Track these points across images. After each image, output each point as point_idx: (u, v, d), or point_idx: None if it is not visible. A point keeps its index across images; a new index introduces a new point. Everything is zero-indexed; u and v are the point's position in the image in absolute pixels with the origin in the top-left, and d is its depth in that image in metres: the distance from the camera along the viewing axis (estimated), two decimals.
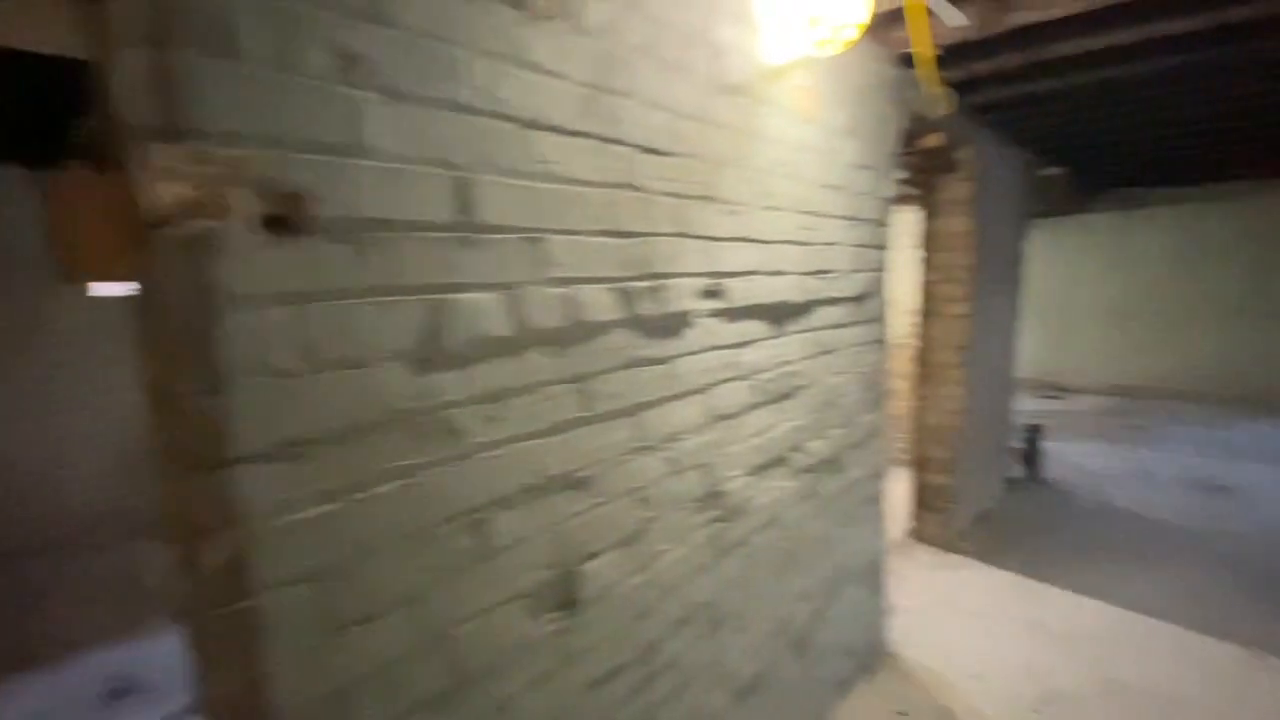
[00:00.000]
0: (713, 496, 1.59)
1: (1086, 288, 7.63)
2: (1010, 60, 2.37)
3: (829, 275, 2.01)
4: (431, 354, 0.96)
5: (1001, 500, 4.28)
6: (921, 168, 3.36)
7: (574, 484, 1.21)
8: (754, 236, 1.65)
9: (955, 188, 3.23)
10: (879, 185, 2.26)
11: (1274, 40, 2.25)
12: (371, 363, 0.90)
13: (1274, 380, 6.65)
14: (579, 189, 1.16)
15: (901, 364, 4.03)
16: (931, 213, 3.34)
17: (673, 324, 1.41)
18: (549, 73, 1.08)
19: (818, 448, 2.05)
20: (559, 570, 1.20)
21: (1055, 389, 7.89)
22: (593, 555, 1.27)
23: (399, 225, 0.91)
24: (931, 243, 3.36)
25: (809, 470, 2.01)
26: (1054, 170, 4.37)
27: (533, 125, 1.07)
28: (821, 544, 2.13)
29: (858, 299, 2.19)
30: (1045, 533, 3.77)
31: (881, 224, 2.32)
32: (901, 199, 3.75)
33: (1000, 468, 4.42)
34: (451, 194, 0.96)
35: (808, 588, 2.07)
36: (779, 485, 1.86)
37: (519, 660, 1.14)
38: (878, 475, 2.53)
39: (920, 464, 3.61)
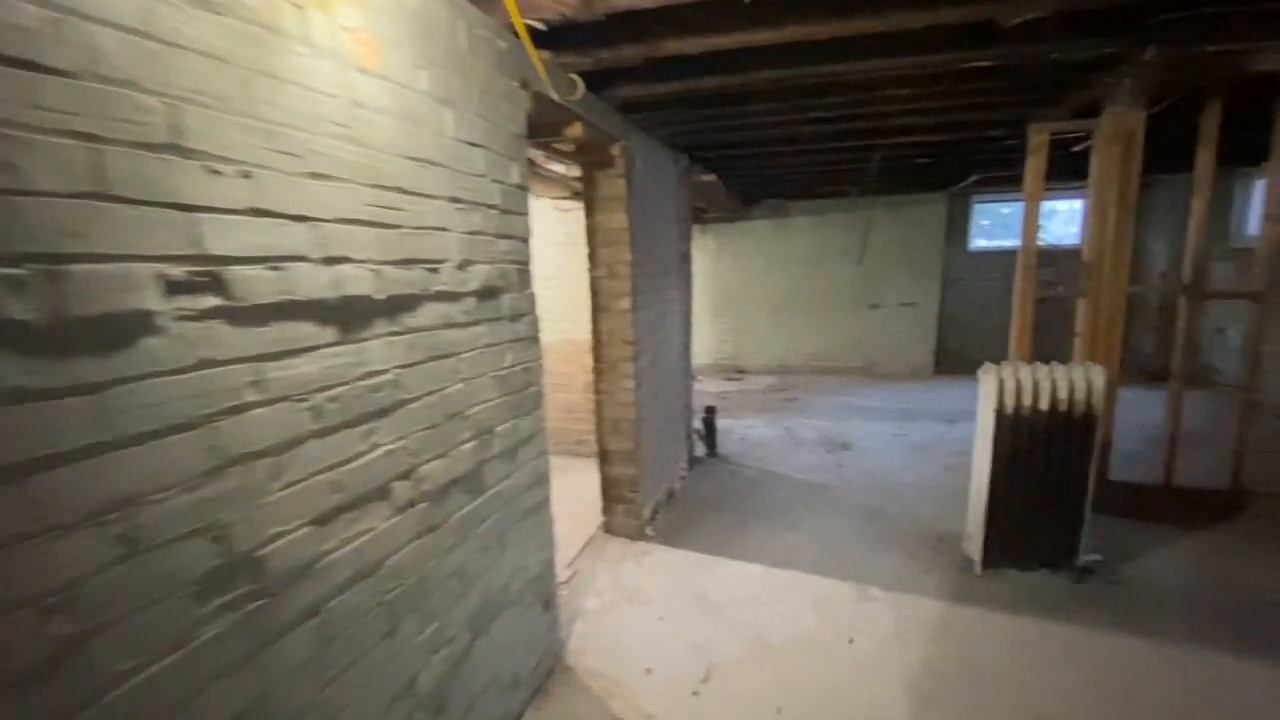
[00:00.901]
0: (236, 569, 1.16)
1: (755, 284, 8.89)
2: (629, 53, 2.37)
3: (434, 266, 1.70)
4: None
5: (686, 480, 4.60)
6: (581, 162, 3.33)
7: None
8: (287, 211, 1.25)
9: (611, 184, 3.26)
10: (503, 169, 2.05)
11: (844, 63, 2.64)
12: None
13: (876, 354, 8.58)
14: None
15: (588, 359, 4.02)
16: (592, 208, 3.32)
17: (99, 333, 0.93)
18: None
19: (439, 469, 1.74)
20: None
21: (737, 371, 9.07)
22: None
23: None
24: (594, 238, 3.35)
25: (426, 498, 1.69)
26: (710, 177, 4.86)
27: None
28: (456, 579, 1.83)
29: (483, 293, 1.94)
30: (719, 506, 4.12)
31: (513, 212, 2.11)
32: (576, 194, 3.68)
33: (684, 449, 4.74)
34: None
35: (440, 635, 1.76)
36: (375, 527, 1.50)
37: None
38: (539, 483, 2.35)
39: (605, 457, 3.61)
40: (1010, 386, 2.89)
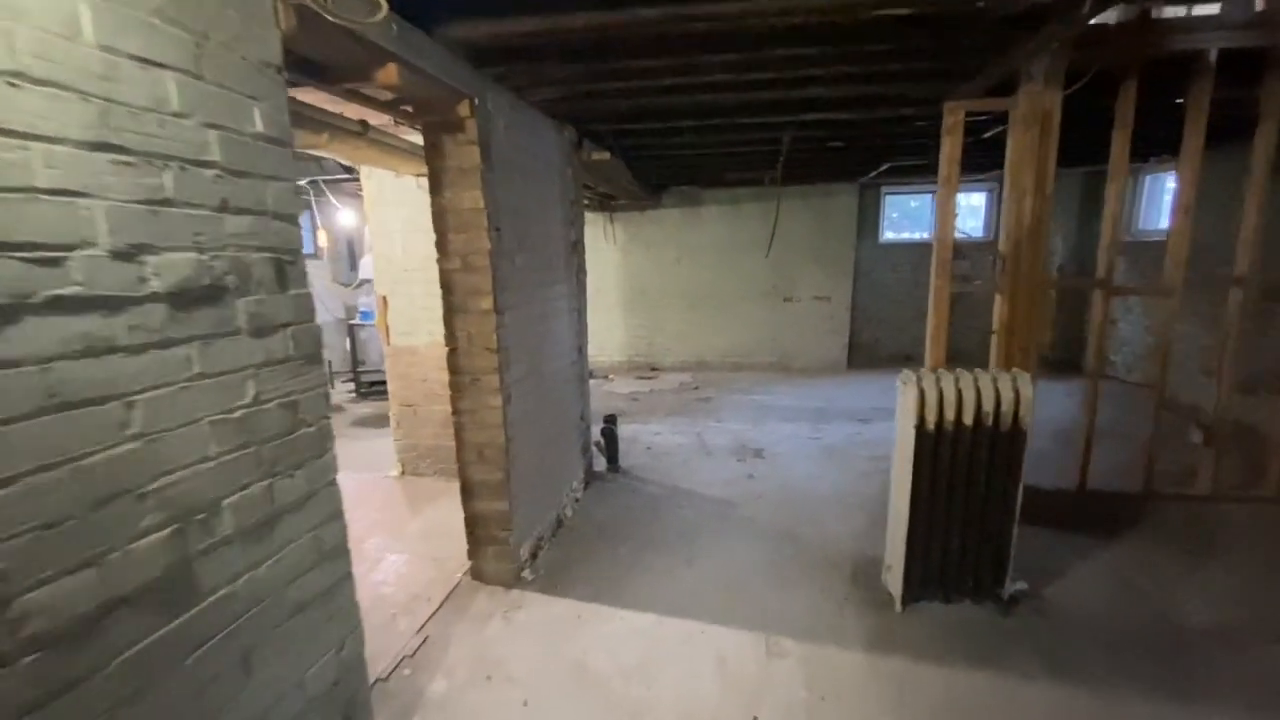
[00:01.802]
0: None
1: (667, 276, 8.41)
2: None
3: (46, 255, 1.02)
4: None
5: (580, 502, 4.02)
6: (423, 124, 2.65)
7: None
8: None
9: (461, 153, 2.60)
10: (232, 110, 1.37)
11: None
12: None
13: (790, 349, 8.33)
14: None
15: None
16: (439, 183, 2.65)
17: None
18: None
19: (71, 592, 1.06)
20: None
21: (651, 369, 8.58)
22: None
23: None
24: (442, 222, 2.69)
25: (38, 646, 1.01)
26: (603, 154, 4.28)
27: None
28: None
29: (189, 298, 1.27)
30: (614, 535, 3.57)
31: (258, 176, 1.44)
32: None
33: (578, 465, 4.17)
34: None
35: None
36: None
37: None
38: (328, 558, 1.69)
39: (468, 490, 2.97)
40: (931, 399, 2.49)
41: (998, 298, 3.66)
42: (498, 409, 2.85)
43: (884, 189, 8.43)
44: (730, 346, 8.47)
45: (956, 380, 2.51)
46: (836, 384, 7.45)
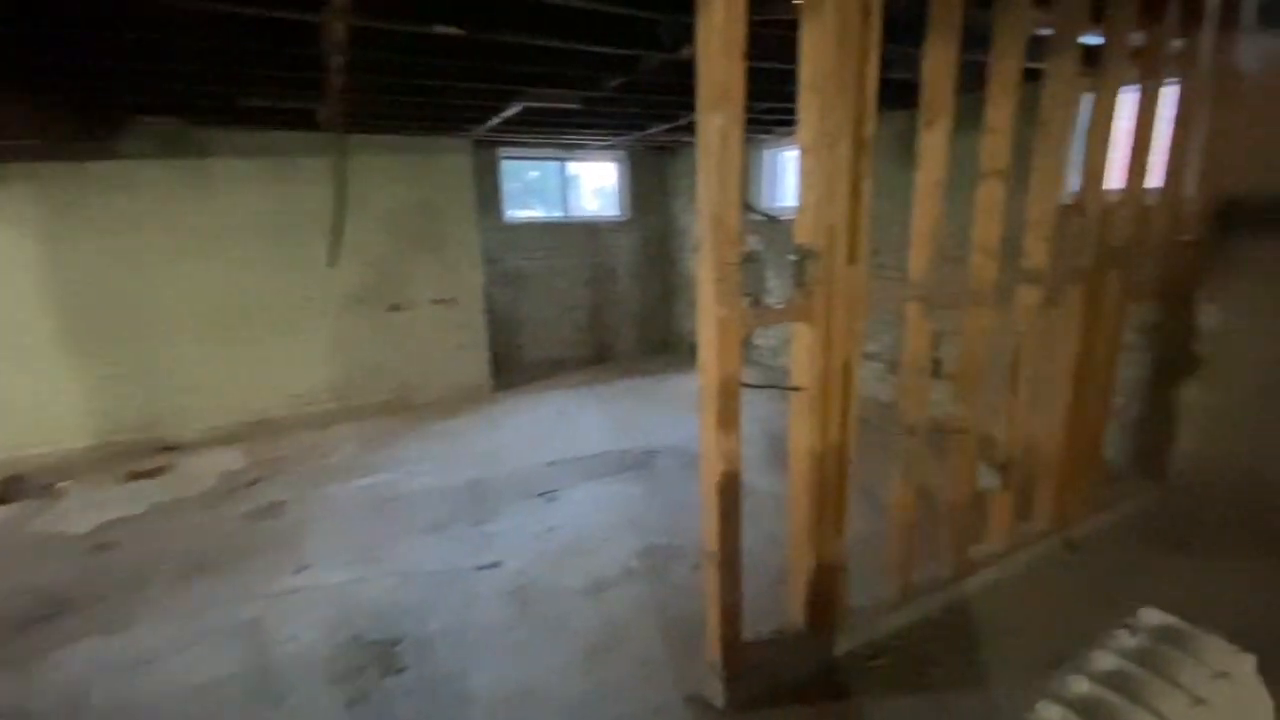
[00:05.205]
0: None
1: (164, 282, 4.72)
2: None
3: None
4: None
5: None
6: None
7: None
8: None
9: None
10: None
11: None
12: None
13: (409, 377, 5.75)
14: None
15: None
16: None
17: None
18: None
19: None
20: None
21: (161, 450, 4.82)
22: None
23: None
24: None
25: None
26: None
27: None
28: None
29: None
30: None
31: None
32: None
33: None
34: None
35: None
36: None
37: None
38: None
39: None
40: None
41: (801, 328, 2.04)
42: None
43: (500, 151, 6.47)
44: (314, 387, 5.36)
45: None
46: (487, 422, 5.28)
